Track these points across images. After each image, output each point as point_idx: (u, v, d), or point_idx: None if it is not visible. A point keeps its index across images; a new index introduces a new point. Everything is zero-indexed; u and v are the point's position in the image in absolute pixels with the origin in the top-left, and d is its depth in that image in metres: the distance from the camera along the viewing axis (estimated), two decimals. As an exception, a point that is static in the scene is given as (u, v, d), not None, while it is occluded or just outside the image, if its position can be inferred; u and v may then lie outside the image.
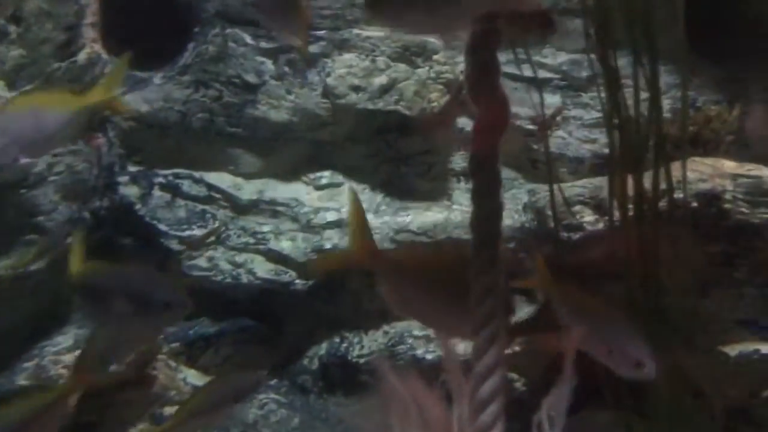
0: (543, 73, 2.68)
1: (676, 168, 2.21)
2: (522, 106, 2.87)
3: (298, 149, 2.91)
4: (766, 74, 2.72)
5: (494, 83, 1.28)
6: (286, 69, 2.84)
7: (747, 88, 2.73)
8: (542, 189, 2.78)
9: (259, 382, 2.45)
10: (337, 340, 2.89)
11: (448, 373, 1.53)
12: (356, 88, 2.79)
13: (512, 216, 2.77)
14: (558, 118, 2.82)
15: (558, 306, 2.09)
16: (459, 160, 2.95)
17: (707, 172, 2.30)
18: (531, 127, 2.84)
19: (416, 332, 2.82)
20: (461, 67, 2.80)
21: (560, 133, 2.82)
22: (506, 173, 2.86)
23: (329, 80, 2.80)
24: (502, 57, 2.97)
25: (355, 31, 2.79)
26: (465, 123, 2.92)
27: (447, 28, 1.66)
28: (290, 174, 2.93)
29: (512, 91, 2.90)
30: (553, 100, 2.77)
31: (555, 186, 2.50)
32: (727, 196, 2.26)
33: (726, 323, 2.38)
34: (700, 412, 2.56)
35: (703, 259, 2.31)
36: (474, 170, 1.38)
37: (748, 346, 2.36)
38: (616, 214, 2.20)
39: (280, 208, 2.90)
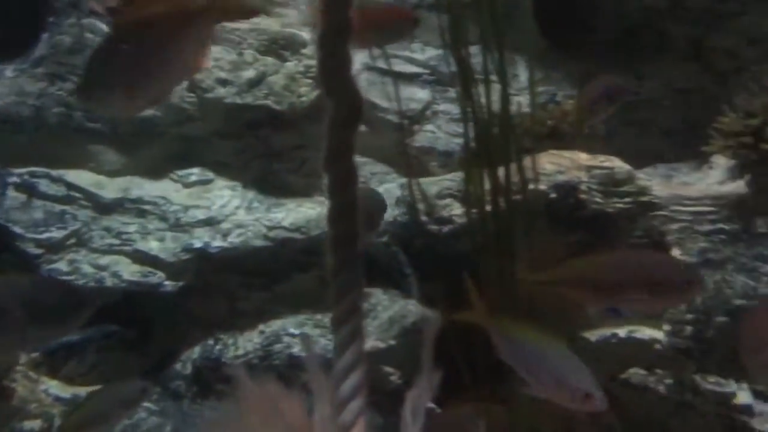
0: (412, 68, 2.69)
1: (536, 161, 2.29)
2: (392, 101, 2.89)
3: (164, 145, 2.80)
4: (618, 69, 2.86)
5: (347, 76, 1.24)
6: (149, 61, 2.73)
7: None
8: (414, 183, 2.81)
9: (146, 391, 2.34)
10: (211, 342, 2.80)
11: (309, 372, 1.51)
12: (224, 82, 2.71)
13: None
14: (427, 113, 2.86)
15: (497, 341, 2.00)
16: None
17: (565, 165, 2.39)
18: (401, 121, 2.86)
19: (292, 330, 2.78)
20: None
21: (430, 127, 2.85)
22: (379, 168, 2.88)
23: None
24: (372, 53, 3.00)
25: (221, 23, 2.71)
26: (337, 118, 2.90)
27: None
28: (156, 171, 2.82)
29: (381, 86, 2.92)
30: (422, 95, 2.80)
31: (421, 180, 2.52)
32: (583, 187, 2.36)
33: (585, 310, 2.48)
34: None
35: (563, 248, 2.39)
36: (328, 165, 1.34)
37: (606, 331, 2.48)
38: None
39: (146, 207, 2.78)
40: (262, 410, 1.40)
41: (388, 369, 2.75)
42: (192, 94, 2.72)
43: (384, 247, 2.75)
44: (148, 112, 2.69)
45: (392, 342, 2.72)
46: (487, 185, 2.17)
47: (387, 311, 2.79)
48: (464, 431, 2.00)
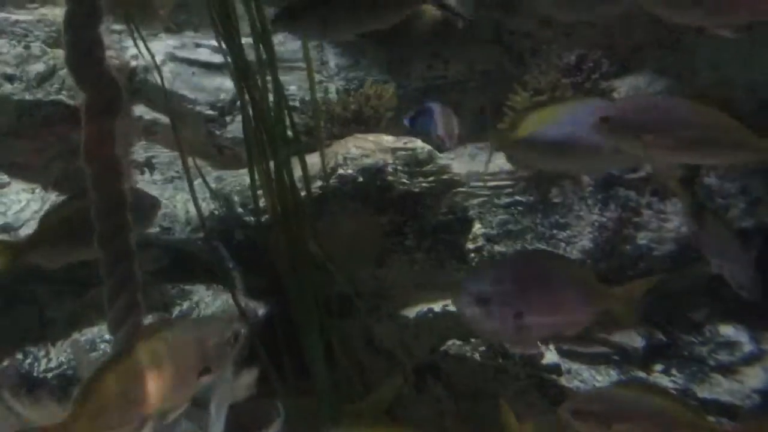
0: (218, 58, 2.62)
1: (343, 145, 2.30)
2: (201, 92, 2.81)
3: (-52, 149, 2.58)
4: (426, 54, 2.94)
5: (100, 63, 1.19)
6: None
7: (410, 68, 2.92)
8: (229, 175, 2.75)
9: None
10: (20, 356, 2.62)
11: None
12: (11, 78, 2.52)
13: (201, 204, 2.72)
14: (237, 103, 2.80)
15: None
16: (141, 151, 2.82)
17: (370, 148, 2.43)
18: (211, 112, 2.79)
19: (107, 337, 2.65)
20: (132, 52, 2.67)
21: (237, 118, 2.80)
22: (191, 162, 2.78)
23: (-22, 70, 2.50)
24: (176, 41, 2.90)
25: (2, 14, 2.52)
26: (144, 111, 2.79)
27: None
28: (-58, 177, 2.59)
29: (190, 76, 2.83)
30: (230, 84, 2.73)
31: (235, 172, 2.47)
32: (389, 169, 2.41)
33: (403, 288, 2.54)
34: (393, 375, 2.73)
35: (379, 230, 2.44)
36: (87, 158, 1.28)
37: (423, 307, 2.55)
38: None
39: (-67, 217, 2.55)
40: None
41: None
42: (-24, 92, 2.52)
43: (204, 241, 2.68)
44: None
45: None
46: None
47: (209, 308, 2.73)
48: (265, 418, 1.98)
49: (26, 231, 2.57)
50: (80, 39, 1.14)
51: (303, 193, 2.23)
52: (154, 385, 1.33)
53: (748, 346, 2.62)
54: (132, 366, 1.36)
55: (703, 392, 2.57)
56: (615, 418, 1.89)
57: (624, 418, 1.88)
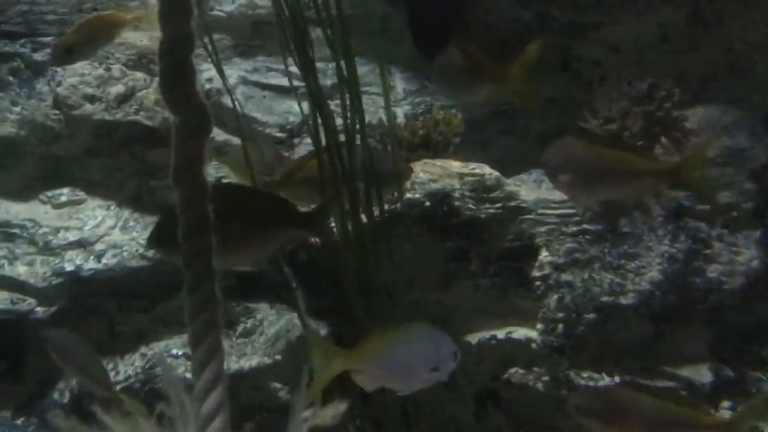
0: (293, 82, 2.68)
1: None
2: (271, 115, 2.87)
3: (29, 165, 2.68)
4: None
5: (191, 88, 1.22)
6: (11, 78, 2.61)
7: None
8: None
9: None
10: (90, 368, 2.69)
11: (168, 395, 1.47)
12: (91, 98, 2.62)
13: (267, 224, 2.76)
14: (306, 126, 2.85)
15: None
16: (212, 171, 2.88)
17: (437, 173, 2.44)
18: (280, 134, 2.84)
19: (176, 351, 2.71)
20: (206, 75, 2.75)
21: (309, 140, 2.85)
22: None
23: (60, 90, 2.61)
24: (248, 65, 2.98)
25: (86, 37, 2.62)
26: (215, 132, 2.86)
27: None
28: (23, 192, 2.70)
29: (259, 100, 2.90)
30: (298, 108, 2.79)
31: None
32: (456, 194, 2.41)
33: (466, 313, 2.53)
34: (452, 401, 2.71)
35: (441, 255, 2.44)
36: (177, 179, 1.31)
37: (486, 334, 2.54)
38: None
39: (13, 230, 2.66)
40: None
41: (276, 385, 2.72)
42: (57, 111, 2.62)
43: (268, 260, 2.72)
44: (10, 130, 2.58)
45: (278, 357, 2.69)
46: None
47: (273, 326, 2.76)
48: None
49: (101, 246, 2.65)
50: (173, 65, 1.18)
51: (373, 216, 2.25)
52: None
53: (815, 385, 2.54)
54: None
55: (771, 430, 2.49)
56: (616, 416, 1.93)
57: (624, 416, 1.92)
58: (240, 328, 2.75)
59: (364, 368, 1.76)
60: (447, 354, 1.80)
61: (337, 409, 1.24)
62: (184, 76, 1.24)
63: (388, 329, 1.81)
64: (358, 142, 2.16)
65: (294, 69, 2.69)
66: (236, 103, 2.52)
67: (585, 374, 2.41)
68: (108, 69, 2.64)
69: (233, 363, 2.67)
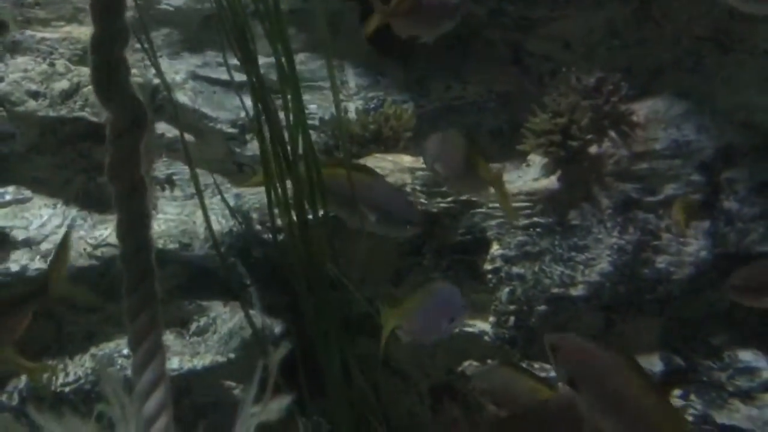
0: (239, 77, 2.64)
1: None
2: (222, 110, 2.84)
3: (-28, 164, 2.61)
4: (444, 74, 2.95)
5: (125, 84, 1.20)
6: (-51, 75, 2.53)
7: (429, 89, 2.94)
8: (248, 192, 2.77)
9: None
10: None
11: (108, 395, 1.45)
12: (35, 94, 2.56)
13: (219, 221, 2.73)
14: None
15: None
16: (162, 168, 2.84)
17: (388, 168, 2.44)
18: (232, 130, 2.81)
19: (126, 351, 2.66)
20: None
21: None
22: (210, 179, 2.80)
23: (2, 86, 2.54)
24: (198, 60, 2.93)
25: (28, 32, 2.56)
26: (165, 128, 2.82)
27: None
28: (-34, 192, 2.62)
29: (210, 95, 2.86)
30: (251, 103, 2.76)
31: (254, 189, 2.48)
32: (408, 189, 2.41)
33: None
34: (408, 395, 2.72)
35: (394, 250, 2.44)
36: (112, 176, 1.29)
37: (439, 328, 2.54)
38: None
39: (-44, 231, 2.58)
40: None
41: (230, 383, 2.70)
42: (0, 108, 2.55)
43: (221, 258, 2.69)
44: (-49, 128, 2.51)
45: (232, 355, 2.67)
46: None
47: (226, 324, 2.74)
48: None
49: (47, 246, 2.60)
50: (106, 60, 1.16)
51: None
52: None
53: (767, 372, 2.58)
54: None
55: (722, 418, 2.54)
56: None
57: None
58: (193, 327, 2.72)
59: (404, 324, 2.16)
60: (461, 308, 2.18)
61: (281, 403, 1.24)
62: (117, 72, 1.21)
63: (418, 290, 2.20)
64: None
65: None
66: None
67: (537, 365, 2.43)
68: (52, 64, 2.58)
69: (186, 362, 2.64)
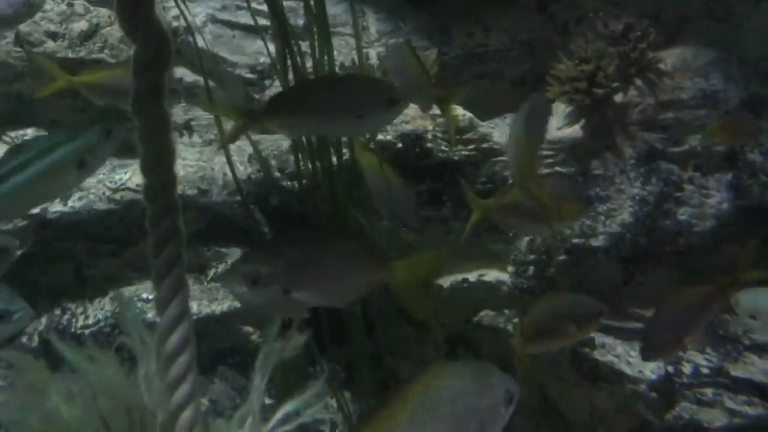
0: (260, 21, 2.60)
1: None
2: (241, 55, 2.80)
3: (-9, 105, 2.61)
4: (467, 21, 2.89)
5: (149, 15, 1.18)
6: (-32, 15, 2.50)
7: (451, 35, 2.88)
8: (266, 139, 2.75)
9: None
10: (58, 312, 2.67)
11: (127, 332, 1.46)
12: (53, 35, 2.53)
13: (238, 168, 2.72)
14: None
15: None
16: (180, 113, 2.82)
17: (410, 114, 2.41)
18: (251, 76, 2.78)
19: (146, 295, 2.69)
20: (174, 12, 2.66)
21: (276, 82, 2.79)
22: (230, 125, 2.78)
23: (21, 26, 2.51)
24: (217, 3, 2.89)
25: (46, -28, 2.53)
26: (183, 73, 2.79)
27: None
28: (-15, 133, 2.63)
29: (229, 39, 2.82)
30: (272, 48, 2.72)
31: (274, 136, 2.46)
32: (429, 136, 2.38)
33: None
34: (424, 343, 2.73)
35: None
36: (137, 110, 1.27)
37: (458, 277, 2.54)
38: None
39: (-24, 173, 2.58)
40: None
41: (247, 328, 2.72)
42: (19, 49, 2.53)
43: (239, 205, 2.69)
44: (-31, 69, 2.50)
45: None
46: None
47: (244, 270, 2.74)
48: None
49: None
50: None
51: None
52: None
53: (784, 326, 2.57)
54: None
55: (737, 371, 2.54)
56: None
57: None
58: (211, 273, 2.73)
59: None
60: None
61: (297, 340, 1.25)
62: (142, 3, 1.19)
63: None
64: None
65: (266, 8, 2.62)
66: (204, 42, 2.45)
67: (555, 316, 2.41)
68: (70, 5, 2.55)
69: (204, 307, 2.65)
